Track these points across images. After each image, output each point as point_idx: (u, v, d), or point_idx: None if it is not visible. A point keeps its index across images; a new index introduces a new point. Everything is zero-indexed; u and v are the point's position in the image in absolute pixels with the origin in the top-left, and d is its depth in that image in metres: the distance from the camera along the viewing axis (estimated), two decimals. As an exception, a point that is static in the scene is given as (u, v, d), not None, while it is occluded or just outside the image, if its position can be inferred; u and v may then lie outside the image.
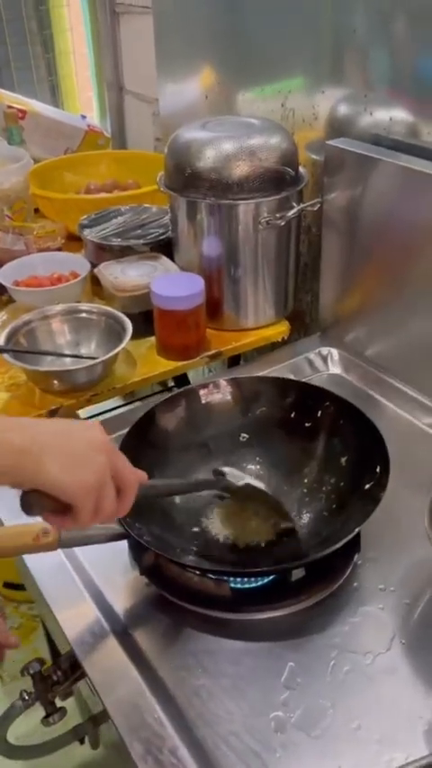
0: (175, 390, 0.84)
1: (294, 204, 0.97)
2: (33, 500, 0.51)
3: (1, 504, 0.78)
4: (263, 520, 0.73)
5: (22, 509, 0.51)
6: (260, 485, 0.73)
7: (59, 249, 1.20)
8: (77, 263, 1.11)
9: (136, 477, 0.57)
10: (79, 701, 0.96)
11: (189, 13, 1.25)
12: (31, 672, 0.66)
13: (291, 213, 0.96)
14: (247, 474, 0.75)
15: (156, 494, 0.69)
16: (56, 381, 0.90)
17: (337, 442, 0.77)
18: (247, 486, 0.72)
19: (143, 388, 1.17)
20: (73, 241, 1.23)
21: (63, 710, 0.67)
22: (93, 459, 0.52)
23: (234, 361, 1.16)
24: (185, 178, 0.95)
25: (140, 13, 1.46)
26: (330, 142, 0.94)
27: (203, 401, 0.82)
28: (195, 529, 0.73)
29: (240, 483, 0.72)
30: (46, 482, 0.49)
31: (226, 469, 0.73)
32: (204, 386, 0.82)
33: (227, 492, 0.73)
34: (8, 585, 1.48)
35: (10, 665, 1.38)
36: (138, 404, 1.40)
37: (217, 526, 0.73)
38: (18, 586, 1.47)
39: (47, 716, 0.66)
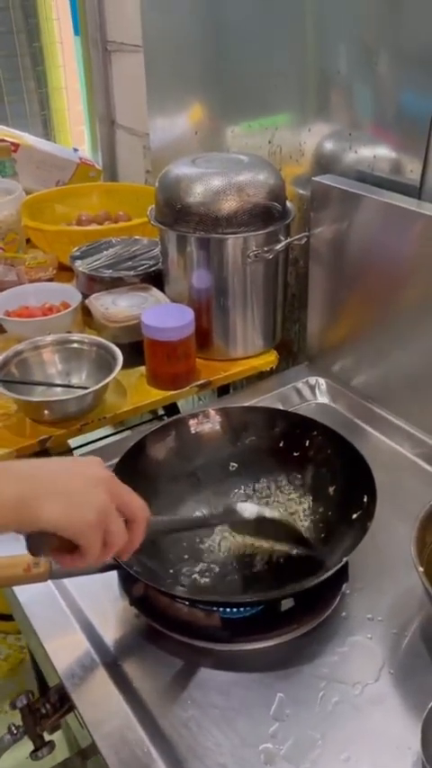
0: (165, 420, 0.85)
1: (282, 238, 0.99)
2: (38, 541, 0.51)
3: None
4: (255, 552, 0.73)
5: (28, 551, 0.51)
6: (273, 513, 0.74)
7: (51, 280, 1.22)
8: (68, 293, 1.13)
9: (144, 507, 0.57)
10: (67, 735, 0.95)
11: (179, 52, 1.28)
12: (20, 705, 0.65)
13: (278, 247, 0.98)
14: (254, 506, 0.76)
15: (168, 529, 0.70)
16: (47, 411, 0.91)
17: (324, 472, 0.78)
18: (260, 517, 0.73)
19: (132, 417, 1.18)
20: (64, 271, 1.25)
21: (51, 744, 0.67)
22: (92, 496, 0.52)
23: (223, 390, 1.18)
24: (176, 213, 0.97)
25: (131, 51, 1.50)
26: (317, 178, 0.97)
27: (193, 431, 0.83)
28: (185, 556, 0.74)
29: (252, 516, 0.74)
30: (48, 525, 0.50)
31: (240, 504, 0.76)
32: (194, 415, 0.83)
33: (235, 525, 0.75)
34: (-5, 616, 1.47)
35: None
36: (127, 433, 1.41)
37: (206, 556, 0.74)
38: (5, 617, 1.45)
39: (35, 750, 0.66)
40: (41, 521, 0.49)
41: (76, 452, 1.38)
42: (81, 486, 0.52)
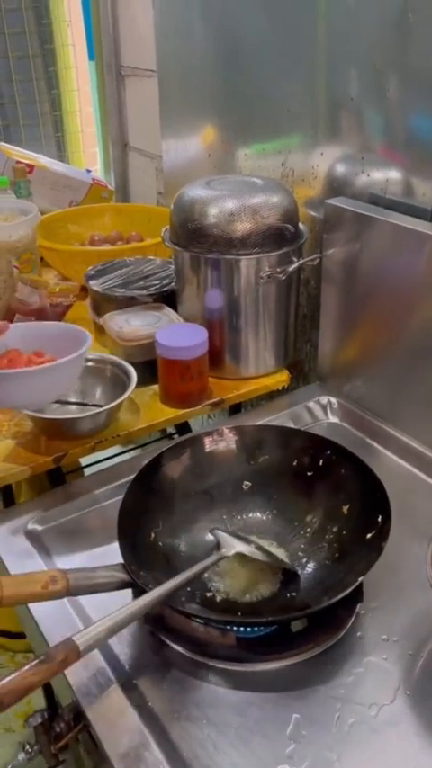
0: (177, 438, 0.85)
1: (294, 259, 1.01)
2: None
3: (7, 551, 0.79)
4: (266, 573, 0.73)
5: None
6: (251, 550, 0.72)
7: (70, 306, 1.21)
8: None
9: None
10: (74, 756, 0.94)
11: (192, 77, 1.31)
12: (34, 723, 0.65)
13: (291, 268, 0.99)
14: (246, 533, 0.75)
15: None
16: (62, 429, 0.92)
17: (338, 491, 0.78)
18: (239, 555, 0.71)
19: (142, 436, 1.18)
20: (79, 291, 1.26)
21: (66, 764, 0.66)
22: None
23: (235, 409, 1.18)
24: (190, 234, 0.99)
25: (145, 76, 1.53)
26: (330, 201, 0.98)
27: (207, 449, 0.83)
28: (201, 576, 0.74)
29: (231, 553, 0.71)
30: None
31: (219, 534, 0.73)
32: (209, 434, 0.84)
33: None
34: (3, 634, 1.46)
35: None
36: (137, 451, 1.41)
37: (220, 577, 0.74)
38: (14, 635, 1.45)
39: (49, 769, 0.66)
40: None
41: (86, 471, 1.38)
42: None
